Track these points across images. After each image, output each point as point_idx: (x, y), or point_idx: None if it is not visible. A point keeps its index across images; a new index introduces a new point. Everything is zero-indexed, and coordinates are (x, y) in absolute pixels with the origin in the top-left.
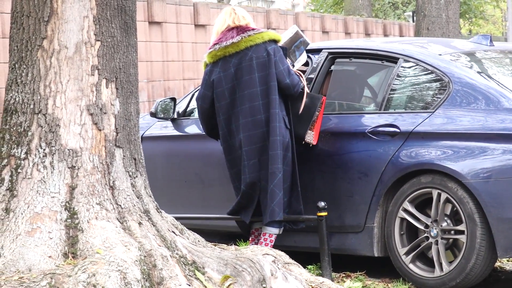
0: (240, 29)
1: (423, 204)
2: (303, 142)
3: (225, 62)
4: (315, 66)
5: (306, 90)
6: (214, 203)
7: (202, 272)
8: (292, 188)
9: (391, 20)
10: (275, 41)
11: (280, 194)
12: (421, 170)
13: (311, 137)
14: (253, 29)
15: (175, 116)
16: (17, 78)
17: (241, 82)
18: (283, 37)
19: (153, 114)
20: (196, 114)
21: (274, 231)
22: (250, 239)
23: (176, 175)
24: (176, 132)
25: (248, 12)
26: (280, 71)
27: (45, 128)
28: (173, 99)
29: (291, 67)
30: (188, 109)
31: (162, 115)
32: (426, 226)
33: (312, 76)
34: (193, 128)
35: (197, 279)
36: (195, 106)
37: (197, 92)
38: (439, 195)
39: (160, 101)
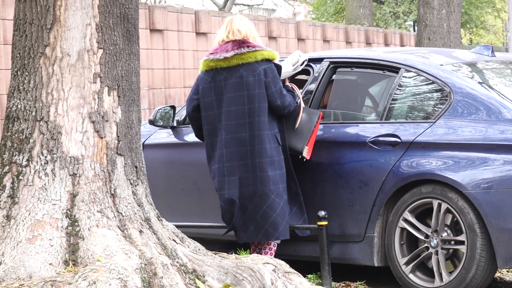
0: (236, 44)
1: (423, 214)
2: (300, 157)
3: (217, 74)
4: (316, 75)
5: (302, 104)
6: (210, 211)
7: (203, 281)
8: (293, 198)
9: (392, 30)
10: (269, 60)
11: (274, 215)
12: (422, 180)
13: (305, 151)
14: (248, 46)
15: (175, 124)
16: (19, 85)
17: (228, 97)
18: (287, 62)
19: (152, 122)
20: None
21: (277, 240)
22: (251, 249)
23: (175, 183)
24: (175, 140)
25: (248, 22)
26: (271, 93)
27: (47, 136)
28: (173, 107)
29: (283, 88)
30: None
31: (161, 123)
32: (426, 236)
33: (313, 85)
34: (193, 136)
35: (198, 287)
36: None
37: None
38: (439, 205)
39: (159, 109)
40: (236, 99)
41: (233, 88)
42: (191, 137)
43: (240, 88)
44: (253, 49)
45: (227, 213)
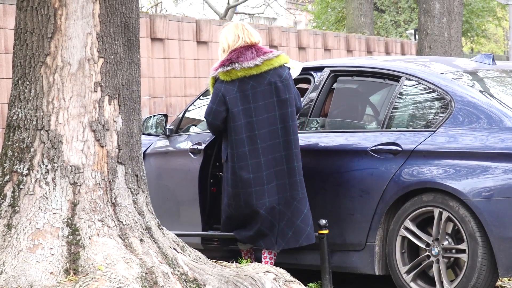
0: (257, 49)
1: (424, 223)
2: None
3: (243, 83)
4: (317, 84)
5: None
6: (190, 220)
7: None
8: None
9: (393, 38)
10: (285, 65)
11: (311, 217)
12: (423, 189)
13: None
14: (270, 51)
15: (168, 132)
16: (20, 94)
17: (259, 106)
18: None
19: None
20: (192, 130)
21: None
22: (251, 258)
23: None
24: (170, 149)
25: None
26: (294, 95)
27: (48, 145)
28: (165, 116)
29: None
30: (181, 126)
31: (153, 131)
32: (428, 244)
33: (314, 94)
34: (187, 143)
35: None
36: (189, 123)
37: (206, 107)
38: (440, 213)
39: (147, 118)
40: (266, 106)
41: (262, 96)
42: (184, 144)
43: (270, 95)
44: (277, 53)
45: (266, 223)
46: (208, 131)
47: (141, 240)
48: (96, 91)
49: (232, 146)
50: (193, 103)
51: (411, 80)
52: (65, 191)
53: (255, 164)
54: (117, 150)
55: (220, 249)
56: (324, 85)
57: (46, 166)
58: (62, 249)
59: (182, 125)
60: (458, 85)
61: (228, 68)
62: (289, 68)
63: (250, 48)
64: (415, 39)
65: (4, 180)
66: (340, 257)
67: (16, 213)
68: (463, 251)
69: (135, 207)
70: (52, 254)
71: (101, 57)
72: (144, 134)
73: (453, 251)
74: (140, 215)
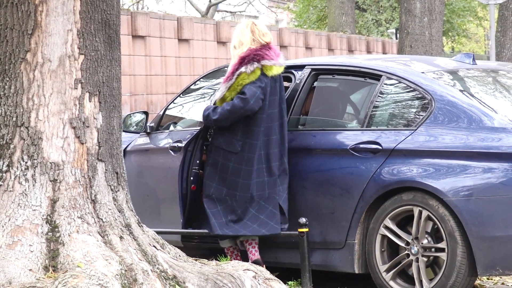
0: (274, 50)
1: (404, 222)
2: None
3: (265, 78)
4: (298, 82)
5: None
6: (170, 217)
7: (183, 287)
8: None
9: (374, 37)
10: None
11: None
12: (403, 188)
13: None
14: (281, 53)
15: (148, 130)
16: (0, 90)
17: (270, 100)
18: None
19: None
20: (172, 127)
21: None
22: (234, 255)
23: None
24: (150, 146)
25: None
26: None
27: (28, 141)
28: (146, 113)
29: None
30: (161, 123)
31: (132, 129)
32: (407, 243)
33: (295, 92)
34: (167, 141)
35: None
36: (169, 120)
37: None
38: (420, 212)
39: (128, 115)
40: (273, 102)
41: (273, 91)
42: (165, 142)
43: (275, 92)
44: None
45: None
46: (189, 129)
47: (121, 238)
48: (76, 88)
49: (255, 136)
50: (173, 100)
51: (391, 79)
52: (44, 188)
53: (261, 157)
54: (97, 147)
55: (200, 247)
56: (305, 84)
57: (26, 162)
58: (41, 246)
59: (162, 123)
60: (438, 84)
61: (270, 63)
62: None
63: (269, 48)
64: (396, 38)
65: None
66: (320, 255)
67: None
68: (442, 250)
69: (115, 204)
70: (31, 251)
71: (82, 54)
72: (124, 131)
73: (433, 250)
74: (120, 212)
